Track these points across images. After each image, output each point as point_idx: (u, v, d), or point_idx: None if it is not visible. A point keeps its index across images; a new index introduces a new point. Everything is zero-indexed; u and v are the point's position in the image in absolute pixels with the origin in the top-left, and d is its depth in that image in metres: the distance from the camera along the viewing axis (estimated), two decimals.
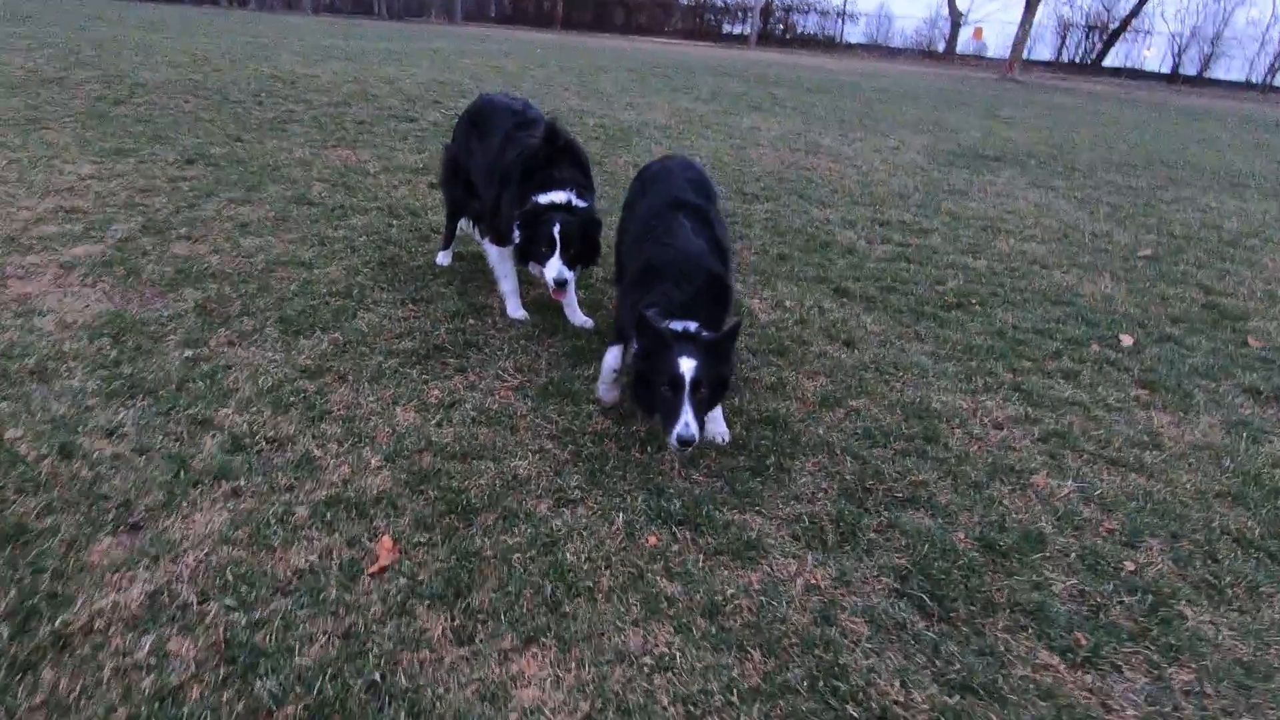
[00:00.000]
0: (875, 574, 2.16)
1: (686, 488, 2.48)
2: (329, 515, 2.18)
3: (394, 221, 4.96)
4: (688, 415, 2.32)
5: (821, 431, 2.88)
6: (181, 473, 2.29)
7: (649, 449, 2.68)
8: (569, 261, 3.21)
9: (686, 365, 2.34)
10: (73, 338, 3.03)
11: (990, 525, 2.42)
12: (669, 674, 1.77)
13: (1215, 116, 22.53)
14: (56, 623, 1.73)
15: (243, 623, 1.79)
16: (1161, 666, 1.93)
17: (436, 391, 2.92)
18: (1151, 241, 6.30)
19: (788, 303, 4.19)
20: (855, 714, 1.71)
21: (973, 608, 2.06)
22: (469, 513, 2.26)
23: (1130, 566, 2.28)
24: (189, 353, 3.00)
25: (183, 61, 11.43)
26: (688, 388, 2.33)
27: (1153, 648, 1.98)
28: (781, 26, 59.95)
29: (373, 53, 16.41)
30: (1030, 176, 8.81)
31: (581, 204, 3.28)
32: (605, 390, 2.94)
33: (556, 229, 3.14)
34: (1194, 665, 1.94)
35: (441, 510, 2.25)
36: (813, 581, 2.10)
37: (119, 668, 1.65)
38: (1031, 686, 1.83)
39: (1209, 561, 2.35)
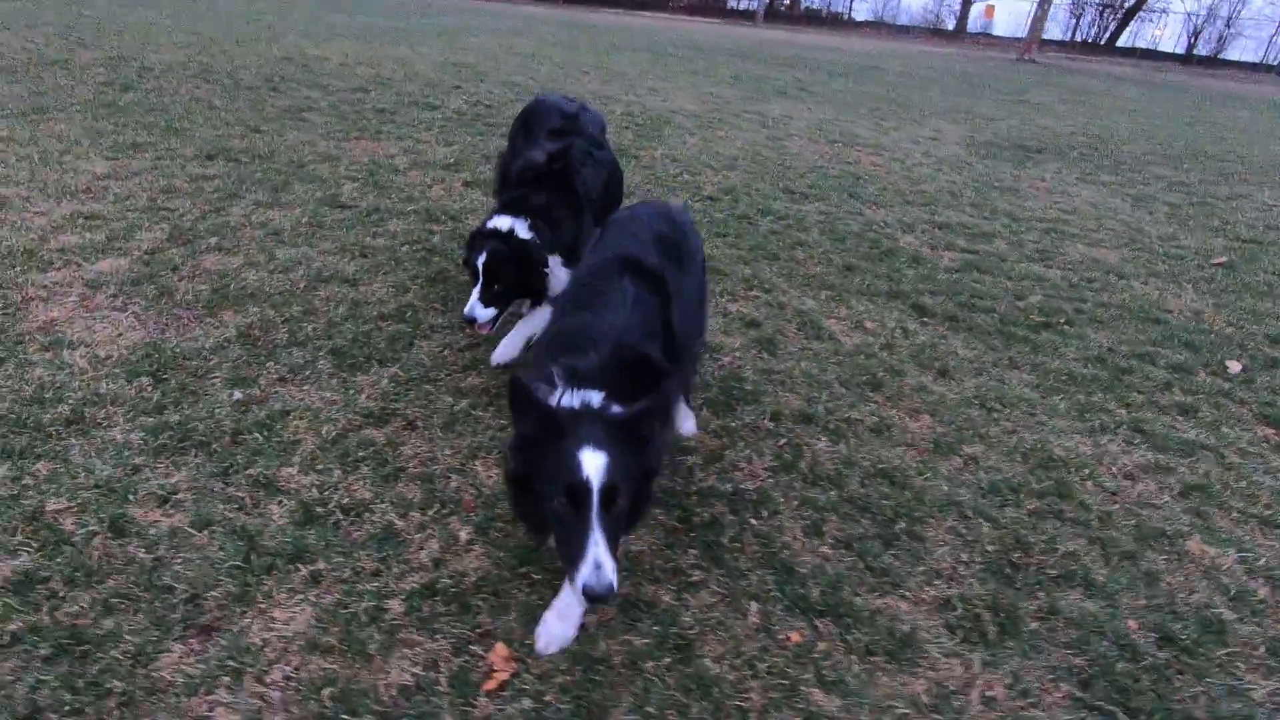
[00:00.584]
0: (1051, 679, 1.90)
1: (817, 564, 2.20)
2: (425, 610, 1.90)
3: (434, 227, 4.63)
4: (598, 551, 1.46)
5: (945, 488, 2.60)
6: (251, 554, 2.01)
7: (763, 513, 2.40)
8: (490, 298, 2.87)
9: (592, 463, 1.50)
10: (108, 376, 2.73)
11: (1160, 609, 2.15)
12: None
13: (1240, 101, 22.06)
14: None
15: None
16: None
17: None
18: (1223, 246, 5.99)
19: (868, 323, 3.89)
20: None
21: None
22: None
23: None
24: (238, 394, 2.70)
25: (188, 42, 10.95)
26: (596, 501, 1.49)
27: None
28: (787, 3, 58.83)
29: (380, 31, 15.86)
30: (1077, 171, 8.47)
31: (527, 235, 2.90)
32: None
33: (481, 259, 2.83)
34: None
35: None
36: (989, 693, 1.83)
37: None
38: None
39: None
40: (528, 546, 2.14)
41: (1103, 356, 3.76)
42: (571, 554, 1.49)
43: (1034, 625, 2.06)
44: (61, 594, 1.83)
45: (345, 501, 2.24)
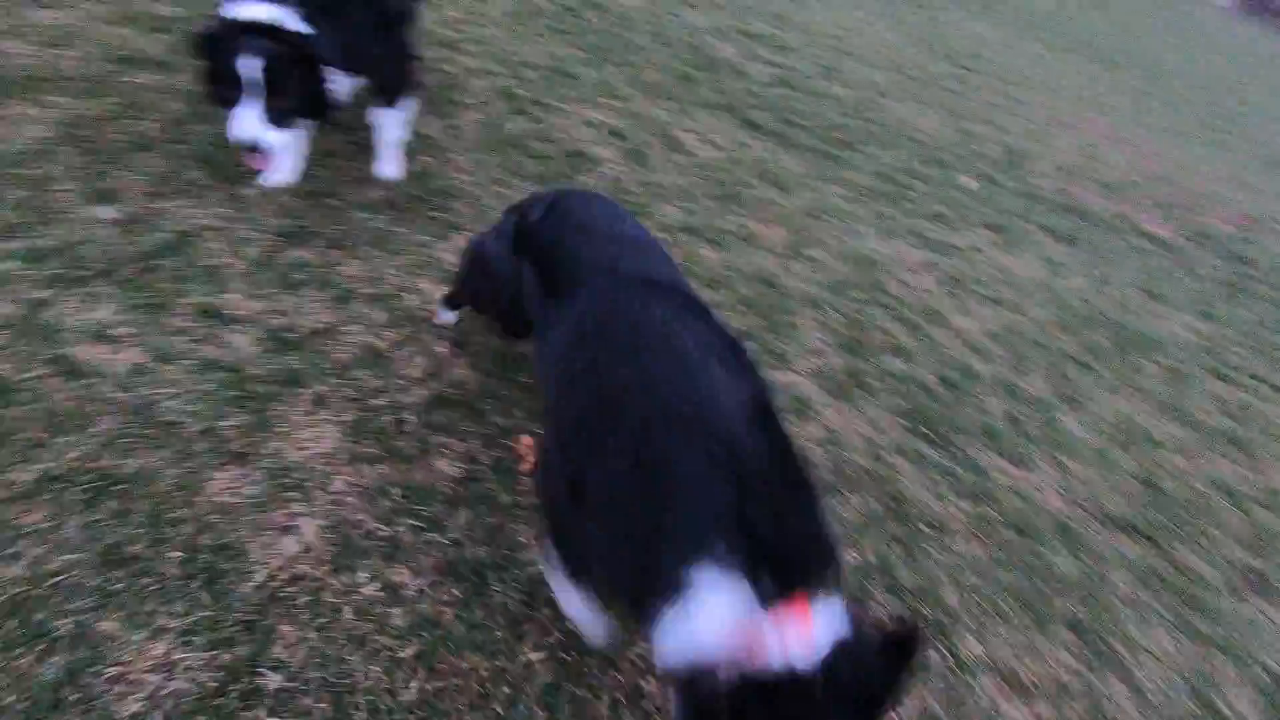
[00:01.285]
0: (891, 415, 2.77)
1: None
2: (442, 418, 2.12)
3: None
4: None
5: (803, 286, 3.29)
6: (246, 384, 2.00)
7: None
8: (276, 115, 2.24)
9: None
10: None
11: (943, 364, 3.14)
12: None
13: None
14: (256, 580, 1.62)
15: (447, 542, 1.82)
16: (1065, 465, 2.87)
17: (451, 257, 2.71)
18: (946, 72, 7.24)
19: (714, 137, 4.29)
20: (921, 526, 2.36)
21: (957, 434, 2.79)
22: None
23: (1026, 387, 3.18)
24: (111, 211, 2.35)
25: None
26: None
27: (1046, 446, 2.91)
28: None
29: None
30: None
31: (300, 30, 2.21)
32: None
33: (259, 64, 2.14)
34: (1071, 462, 2.92)
35: None
36: (861, 431, 2.64)
37: (357, 605, 1.64)
38: (1000, 486, 2.64)
39: (1062, 378, 3.35)
40: (511, 357, 2.40)
41: (886, 173, 4.66)
42: None
43: (875, 383, 2.90)
44: (52, 443, 1.72)
45: (313, 326, 2.24)
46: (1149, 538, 2.71)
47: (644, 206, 3.40)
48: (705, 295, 2.95)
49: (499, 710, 1.57)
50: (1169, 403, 3.51)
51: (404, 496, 1.89)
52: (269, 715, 1.42)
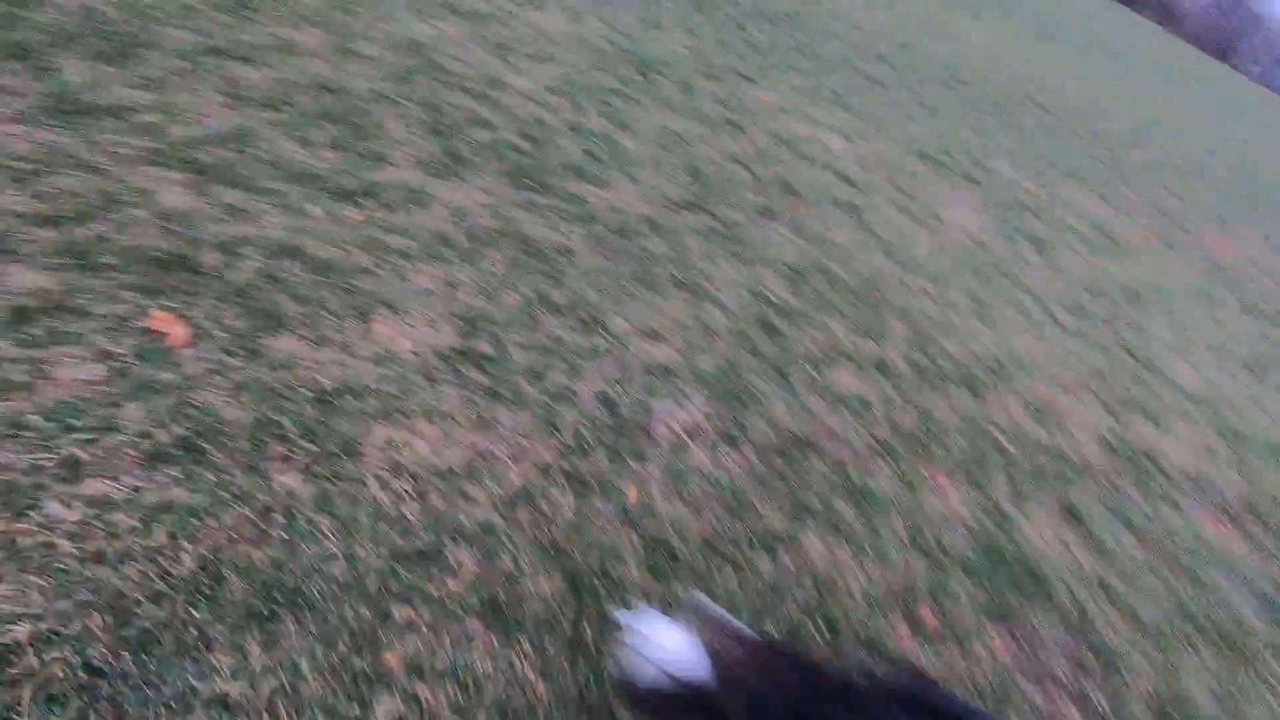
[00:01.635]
0: (495, 179, 3.07)
1: (324, 165, 2.71)
2: (38, 331, 1.80)
3: None
4: None
5: (369, 85, 3.22)
6: None
7: (259, 145, 2.66)
8: None
9: None
10: None
11: (519, 123, 3.47)
12: None
13: None
14: None
15: (134, 436, 1.69)
16: (635, 176, 3.54)
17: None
18: None
19: None
20: (553, 255, 2.82)
21: (552, 177, 3.23)
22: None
23: (588, 124, 3.73)
24: None
25: None
26: None
27: (617, 165, 3.56)
28: None
29: None
30: None
31: None
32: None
33: None
34: (639, 172, 3.62)
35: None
36: (476, 199, 2.89)
37: (69, 532, 1.51)
38: (598, 207, 3.21)
39: (611, 109, 3.97)
40: (73, 245, 2.04)
41: None
42: None
43: (471, 156, 3.13)
44: None
45: None
46: (701, 207, 3.61)
47: (138, 36, 2.85)
48: (267, 116, 2.77)
49: (283, 535, 1.67)
50: (684, 106, 4.43)
51: (48, 419, 1.65)
52: (38, 656, 1.33)
